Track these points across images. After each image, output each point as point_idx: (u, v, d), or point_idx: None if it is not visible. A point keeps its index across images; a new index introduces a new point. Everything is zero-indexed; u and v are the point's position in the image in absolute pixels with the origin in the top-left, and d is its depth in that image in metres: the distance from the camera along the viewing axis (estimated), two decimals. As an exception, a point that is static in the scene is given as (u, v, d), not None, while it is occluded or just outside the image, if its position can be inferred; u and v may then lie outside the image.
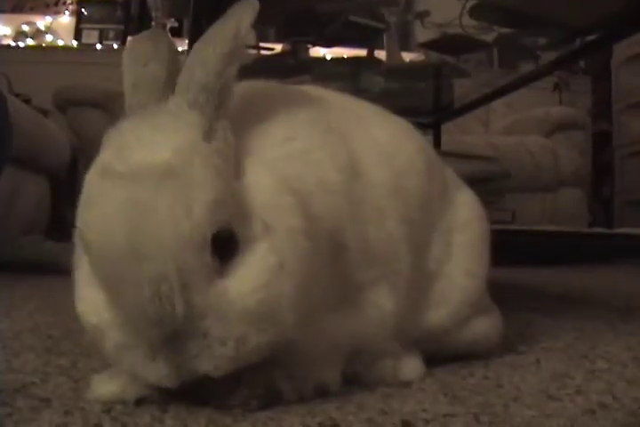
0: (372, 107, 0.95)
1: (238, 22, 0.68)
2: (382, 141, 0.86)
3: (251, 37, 0.70)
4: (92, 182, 0.64)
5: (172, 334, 0.61)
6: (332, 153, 0.77)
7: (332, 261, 0.71)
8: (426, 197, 0.89)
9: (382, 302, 0.79)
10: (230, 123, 0.68)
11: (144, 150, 0.62)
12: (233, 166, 0.66)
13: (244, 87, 0.79)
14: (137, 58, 0.72)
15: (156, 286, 0.59)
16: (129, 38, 5.65)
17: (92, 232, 0.61)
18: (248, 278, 0.63)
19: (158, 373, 0.63)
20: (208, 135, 0.65)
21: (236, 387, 0.68)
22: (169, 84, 0.69)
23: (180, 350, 0.62)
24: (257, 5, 0.70)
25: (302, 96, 0.86)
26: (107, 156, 0.64)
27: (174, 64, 0.71)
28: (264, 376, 0.69)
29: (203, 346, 0.62)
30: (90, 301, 0.67)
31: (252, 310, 0.62)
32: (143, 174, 0.60)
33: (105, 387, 0.72)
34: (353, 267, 0.75)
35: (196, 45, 0.69)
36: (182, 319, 0.60)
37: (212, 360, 0.62)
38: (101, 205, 0.61)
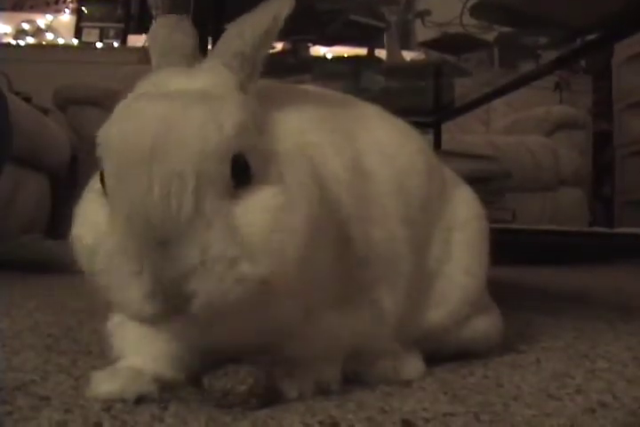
0: (374, 108, 0.95)
1: (278, 8, 0.73)
2: (384, 142, 0.87)
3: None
4: (123, 104, 0.66)
5: (168, 240, 0.59)
6: (338, 150, 0.79)
7: (337, 255, 0.72)
8: (426, 196, 0.89)
9: (383, 302, 0.80)
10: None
11: (181, 81, 0.68)
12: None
13: None
14: (164, 33, 0.77)
15: (170, 184, 0.59)
16: (129, 37, 5.66)
17: (116, 134, 0.63)
18: (258, 208, 0.63)
19: (143, 289, 0.60)
20: (240, 90, 0.70)
21: (236, 385, 0.68)
22: (195, 55, 0.76)
23: (170, 262, 0.59)
24: (292, 2, 0.74)
25: (309, 95, 0.88)
26: (142, 86, 0.70)
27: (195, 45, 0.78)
28: (264, 374, 0.69)
29: (196, 261, 0.59)
30: (88, 222, 0.66)
31: (256, 238, 0.62)
32: (179, 95, 0.64)
33: (105, 385, 0.72)
34: (355, 264, 0.76)
35: (233, 23, 0.73)
36: (185, 224, 0.59)
37: (201, 281, 0.60)
38: (130, 115, 0.64)
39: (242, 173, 0.63)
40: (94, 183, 0.68)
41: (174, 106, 0.62)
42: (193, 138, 0.60)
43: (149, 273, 0.59)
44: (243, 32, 0.71)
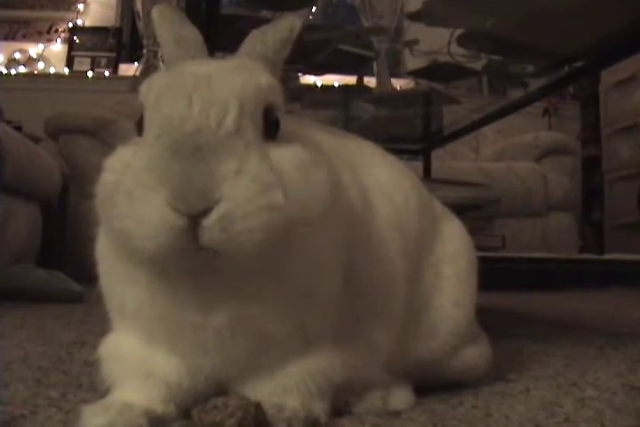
0: (369, 144, 0.97)
1: (293, 22, 0.77)
2: (383, 180, 0.90)
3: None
4: (157, 77, 0.70)
5: (201, 150, 0.61)
6: (352, 181, 0.82)
7: (342, 286, 0.74)
8: (418, 232, 0.91)
9: (376, 337, 0.81)
10: None
11: (214, 64, 0.72)
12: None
13: None
14: (171, 19, 0.80)
15: (210, 107, 0.63)
16: (120, 66, 5.67)
17: (159, 87, 0.67)
18: (288, 158, 0.67)
19: (165, 196, 0.59)
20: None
21: (225, 418, 0.68)
22: (205, 47, 0.79)
23: (202, 168, 0.60)
24: (302, 20, 0.79)
25: (318, 129, 0.90)
26: (173, 69, 0.73)
27: None
28: (253, 407, 0.69)
29: (232, 169, 0.61)
30: (115, 161, 0.69)
31: (289, 177, 0.65)
32: (214, 63, 0.72)
33: (95, 419, 0.71)
34: (354, 297, 0.77)
35: (253, 31, 0.77)
36: (224, 137, 0.62)
37: (231, 189, 0.60)
38: (172, 75, 0.69)
39: (272, 126, 0.68)
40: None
41: (212, 68, 0.69)
42: (234, 80, 0.66)
43: (176, 178, 0.60)
44: (265, 38, 0.76)
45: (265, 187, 0.61)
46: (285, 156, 0.66)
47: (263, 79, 0.69)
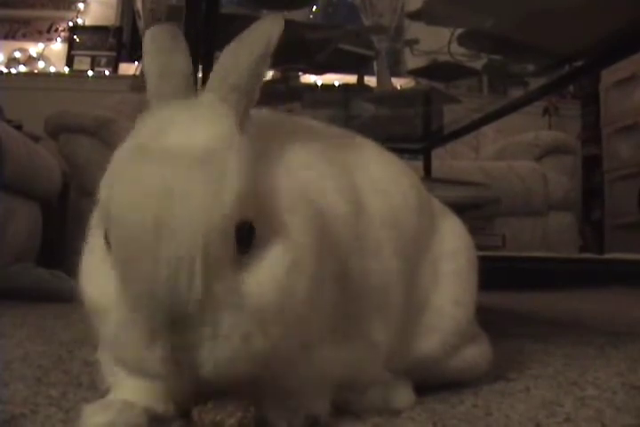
0: (368, 142, 0.96)
1: (269, 31, 0.71)
2: (378, 177, 0.88)
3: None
4: (123, 159, 0.64)
5: (180, 320, 0.59)
6: (338, 184, 0.79)
7: (336, 291, 0.72)
8: (417, 230, 0.90)
9: (375, 335, 0.80)
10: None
11: (182, 134, 0.64)
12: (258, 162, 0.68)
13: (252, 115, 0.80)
14: (160, 48, 0.75)
15: (177, 266, 0.58)
16: (121, 65, 5.68)
17: (119, 205, 0.61)
18: (265, 275, 0.63)
19: (153, 357, 0.60)
20: (240, 129, 0.67)
21: (225, 418, 0.68)
22: (191, 78, 0.73)
23: (181, 338, 0.59)
24: (282, 21, 0.73)
25: (307, 127, 0.89)
26: (142, 136, 0.66)
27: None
28: (253, 407, 0.69)
29: (207, 336, 0.60)
30: (98, 281, 0.66)
31: (266, 309, 0.62)
32: (179, 156, 0.61)
33: (95, 418, 0.71)
34: (350, 298, 0.76)
35: (226, 50, 0.71)
36: (195, 305, 0.59)
37: (213, 352, 0.60)
38: (132, 181, 0.61)
39: (246, 237, 0.63)
40: (97, 231, 0.68)
41: (175, 174, 0.60)
42: (196, 213, 0.59)
43: (161, 347, 0.60)
44: (236, 62, 0.70)
45: (242, 340, 0.61)
46: (264, 273, 0.63)
47: (232, 194, 0.61)
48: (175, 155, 0.61)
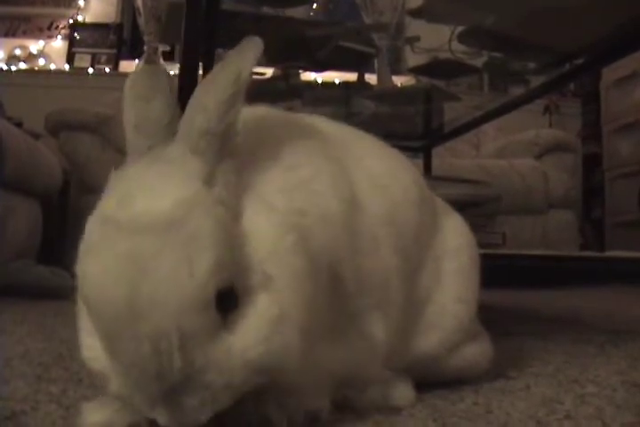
0: (368, 137, 0.96)
1: (240, 65, 0.68)
2: (377, 173, 0.87)
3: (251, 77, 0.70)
4: (93, 230, 0.63)
5: (172, 389, 0.60)
6: (333, 182, 0.78)
7: (328, 292, 0.72)
8: (418, 227, 0.90)
9: (374, 331, 0.80)
10: (233, 158, 0.68)
11: (146, 201, 0.61)
12: (233, 209, 0.65)
13: (245, 113, 0.79)
14: (138, 96, 0.70)
15: (155, 343, 0.58)
16: (121, 62, 5.68)
17: (90, 287, 0.60)
18: (249, 332, 0.62)
19: (161, 416, 0.61)
20: (209, 182, 0.64)
21: (225, 415, 0.68)
22: (171, 125, 0.68)
23: (179, 403, 0.60)
24: (260, 45, 0.70)
25: (302, 124, 0.87)
26: (109, 204, 0.63)
27: (174, 102, 0.70)
28: (254, 404, 0.69)
29: (204, 398, 0.60)
30: (93, 348, 0.66)
31: (255, 364, 0.62)
32: (144, 227, 0.59)
33: (95, 415, 0.71)
34: (346, 296, 0.76)
35: (197, 89, 0.68)
36: (181, 376, 0.59)
37: (212, 407, 0.61)
38: (101, 257, 0.60)
39: (227, 297, 0.61)
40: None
41: (143, 249, 0.58)
42: (166, 289, 0.57)
43: (164, 410, 0.61)
44: (205, 104, 0.66)
45: (232, 393, 0.63)
46: (250, 332, 0.62)
47: (204, 267, 0.58)
48: (141, 226, 0.59)
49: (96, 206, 0.65)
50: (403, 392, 0.86)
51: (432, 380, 0.93)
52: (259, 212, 0.67)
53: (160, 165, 0.65)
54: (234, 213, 0.65)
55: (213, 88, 0.67)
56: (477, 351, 0.97)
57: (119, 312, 0.58)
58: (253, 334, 0.62)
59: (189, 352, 0.59)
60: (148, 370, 0.59)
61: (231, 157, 0.67)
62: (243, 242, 0.64)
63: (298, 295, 0.65)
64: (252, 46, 0.70)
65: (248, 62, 0.68)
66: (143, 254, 0.58)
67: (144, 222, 0.59)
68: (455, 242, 0.96)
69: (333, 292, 0.73)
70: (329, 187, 0.77)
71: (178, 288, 0.58)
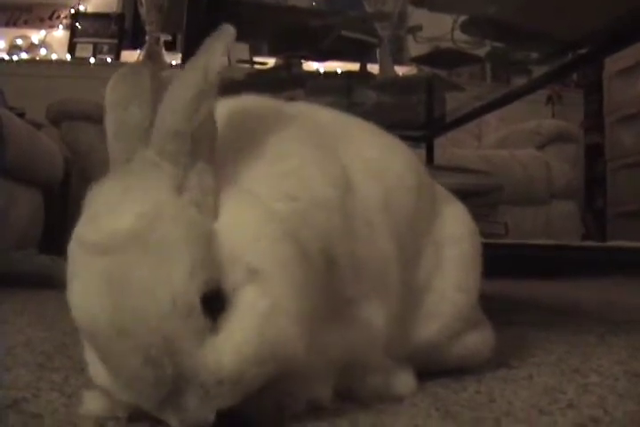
0: (362, 123, 0.95)
1: (206, 62, 0.66)
2: (371, 158, 0.87)
3: (225, 69, 0.67)
4: (73, 253, 0.63)
5: (171, 393, 0.60)
6: (325, 169, 0.77)
7: (323, 278, 0.71)
8: (415, 213, 0.89)
9: (372, 318, 0.79)
10: (210, 157, 0.67)
11: (110, 218, 0.60)
12: (210, 209, 0.64)
13: (233, 104, 0.79)
14: (117, 101, 0.68)
15: (145, 355, 0.58)
16: (123, 52, 5.67)
17: (76, 309, 0.61)
18: (241, 328, 0.62)
19: (172, 419, 0.61)
20: (180, 186, 0.63)
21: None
22: (152, 130, 0.66)
23: (181, 405, 0.60)
24: (231, 34, 0.68)
25: (291, 113, 0.85)
26: (80, 226, 0.63)
27: (157, 105, 0.67)
28: (255, 394, 0.69)
29: (203, 397, 0.60)
30: (94, 364, 0.67)
31: (251, 358, 0.61)
32: (113, 245, 0.59)
33: (97, 403, 0.71)
34: (343, 282, 0.75)
35: (169, 88, 0.66)
36: (176, 381, 0.59)
37: (213, 405, 0.61)
38: (81, 280, 0.61)
39: (214, 297, 0.61)
40: None
41: (115, 266, 0.58)
42: (145, 303, 0.58)
43: (170, 414, 0.61)
44: (173, 106, 0.64)
45: (232, 393, 0.62)
46: (235, 330, 0.62)
47: (180, 275, 0.58)
48: (109, 246, 0.59)
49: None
50: (404, 381, 0.86)
51: (434, 369, 0.93)
52: (239, 203, 0.66)
53: (127, 179, 0.64)
54: (211, 212, 0.64)
55: (180, 88, 0.65)
56: (479, 340, 0.97)
57: (105, 330, 0.59)
58: (246, 329, 0.62)
59: (179, 358, 0.59)
60: (144, 380, 0.59)
61: (208, 156, 0.66)
62: (223, 239, 0.63)
63: (287, 283, 0.64)
64: (222, 39, 0.68)
65: (215, 58, 0.66)
66: (117, 273, 0.58)
67: (111, 241, 0.59)
68: (456, 229, 0.95)
69: (329, 277, 0.72)
70: (320, 173, 0.76)
71: (157, 299, 0.58)
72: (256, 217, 0.66)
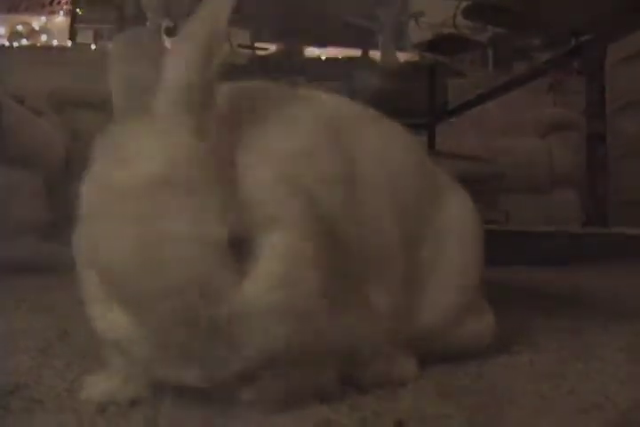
0: (368, 111, 0.95)
1: (215, 17, 0.67)
2: (375, 144, 0.87)
3: (227, 32, 0.68)
4: (93, 197, 0.63)
5: (201, 339, 0.60)
6: (331, 151, 0.78)
7: (329, 253, 0.71)
8: (417, 198, 0.89)
9: (377, 303, 0.79)
10: (226, 122, 0.68)
11: (141, 162, 0.61)
12: (227, 158, 0.66)
13: (241, 88, 0.79)
14: (124, 58, 0.70)
15: (179, 296, 0.59)
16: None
17: (102, 253, 0.61)
18: (264, 275, 0.63)
19: (193, 374, 0.62)
20: (200, 134, 0.64)
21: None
22: (157, 86, 0.67)
23: (209, 354, 0.61)
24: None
25: (298, 97, 0.86)
26: (103, 170, 0.64)
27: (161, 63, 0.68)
28: (260, 377, 0.69)
29: (231, 348, 0.61)
30: (106, 317, 0.66)
31: (275, 305, 0.63)
32: (145, 188, 0.60)
33: (99, 388, 0.72)
34: (348, 266, 0.75)
35: (173, 43, 0.67)
36: (208, 324, 0.60)
37: (241, 361, 0.62)
38: (106, 222, 0.61)
39: (241, 243, 0.62)
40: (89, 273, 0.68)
41: (145, 207, 0.60)
42: (179, 242, 0.59)
43: (195, 365, 0.62)
44: (185, 55, 0.65)
45: (261, 342, 0.64)
46: (260, 275, 0.63)
47: (210, 216, 0.61)
48: (141, 188, 0.60)
49: (89, 172, 0.66)
50: (406, 367, 0.86)
51: (436, 354, 0.93)
52: (259, 166, 0.68)
53: (147, 124, 0.65)
54: (228, 162, 0.66)
55: (190, 41, 0.66)
56: (481, 326, 0.97)
57: (137, 273, 0.59)
58: (268, 277, 0.63)
59: (213, 299, 0.60)
60: (177, 323, 0.60)
61: (216, 112, 0.67)
62: (241, 189, 0.65)
63: (305, 232, 0.66)
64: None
65: (223, 14, 0.67)
66: (148, 215, 0.59)
67: (141, 185, 0.60)
68: (459, 216, 0.95)
69: (335, 258, 0.72)
70: (327, 155, 0.77)
71: (190, 240, 0.59)
72: (272, 175, 0.68)
